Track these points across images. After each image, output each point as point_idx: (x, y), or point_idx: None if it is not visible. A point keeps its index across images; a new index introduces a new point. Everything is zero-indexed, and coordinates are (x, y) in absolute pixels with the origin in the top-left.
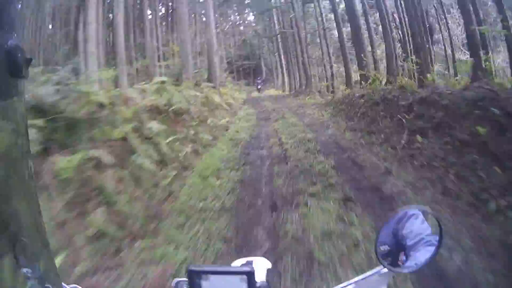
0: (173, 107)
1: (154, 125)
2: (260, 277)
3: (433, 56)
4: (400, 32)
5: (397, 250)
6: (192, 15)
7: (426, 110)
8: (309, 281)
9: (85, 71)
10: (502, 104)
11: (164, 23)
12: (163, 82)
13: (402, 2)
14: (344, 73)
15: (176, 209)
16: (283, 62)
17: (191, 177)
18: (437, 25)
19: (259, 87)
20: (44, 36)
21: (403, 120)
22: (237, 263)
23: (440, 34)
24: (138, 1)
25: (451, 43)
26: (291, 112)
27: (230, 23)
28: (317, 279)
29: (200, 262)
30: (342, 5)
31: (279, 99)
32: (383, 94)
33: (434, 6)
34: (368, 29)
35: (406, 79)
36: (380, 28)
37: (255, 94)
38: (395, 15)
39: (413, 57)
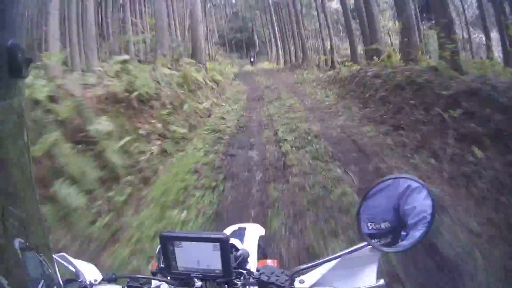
0: (136, 93)
1: (102, 124)
2: (253, 243)
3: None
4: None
5: (398, 227)
6: None
7: (478, 108)
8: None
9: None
10: None
11: None
12: (125, 61)
13: None
14: (340, 48)
15: None
16: (277, 34)
17: (145, 207)
18: None
19: (252, 59)
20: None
21: (446, 117)
22: (230, 229)
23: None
24: None
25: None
26: (288, 90)
27: None
28: None
29: None
30: None
31: (274, 74)
32: (409, 75)
33: None
34: None
35: (427, 57)
36: None
37: (248, 67)
38: None
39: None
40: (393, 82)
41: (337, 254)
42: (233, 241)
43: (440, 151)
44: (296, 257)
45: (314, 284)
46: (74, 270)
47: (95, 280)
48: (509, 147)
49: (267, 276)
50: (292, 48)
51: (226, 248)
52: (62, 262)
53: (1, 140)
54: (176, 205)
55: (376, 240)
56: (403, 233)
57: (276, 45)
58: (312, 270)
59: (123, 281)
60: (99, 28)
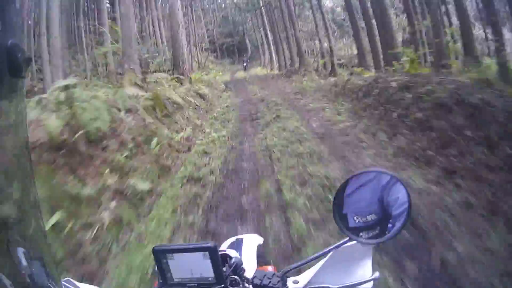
0: (81, 132)
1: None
2: (251, 252)
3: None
4: None
5: (384, 219)
6: None
7: None
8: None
9: None
10: None
11: None
12: (66, 87)
13: None
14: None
15: None
16: (270, 37)
17: None
18: None
19: (245, 64)
20: None
21: None
22: (228, 242)
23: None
24: None
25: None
26: (287, 104)
27: None
28: None
29: None
30: None
31: (269, 81)
32: (454, 91)
33: None
34: None
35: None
36: None
37: (240, 74)
38: None
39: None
40: (432, 99)
41: (325, 250)
42: (229, 251)
43: None
44: None
45: (308, 283)
46: None
47: None
48: None
49: (259, 279)
50: (287, 52)
51: (216, 256)
52: (69, 286)
53: (1, 140)
54: None
55: (364, 233)
56: (389, 224)
57: (269, 49)
58: (302, 268)
59: None
60: (75, 39)
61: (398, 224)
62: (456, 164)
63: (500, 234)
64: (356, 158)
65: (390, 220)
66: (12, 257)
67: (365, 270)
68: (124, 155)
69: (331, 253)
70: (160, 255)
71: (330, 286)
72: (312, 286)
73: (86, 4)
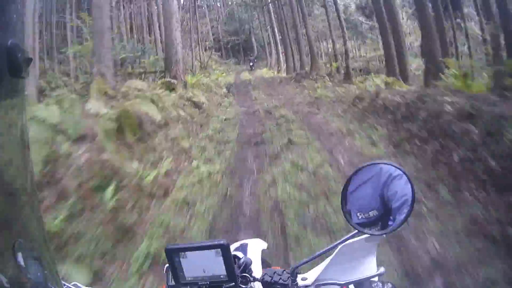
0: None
1: None
2: (256, 256)
3: None
4: None
5: (385, 214)
6: None
7: None
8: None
9: None
10: None
11: None
12: None
13: None
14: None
15: None
16: (278, 37)
17: None
18: None
19: (251, 64)
20: None
21: None
22: (232, 247)
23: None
24: None
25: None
26: (301, 122)
27: None
28: None
29: None
30: None
31: (276, 87)
32: None
33: None
34: None
35: None
36: None
37: (245, 75)
38: None
39: None
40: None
41: (332, 245)
42: (236, 253)
43: None
44: None
45: (317, 280)
46: None
47: None
48: None
49: (270, 276)
50: (296, 53)
51: (228, 253)
52: None
53: (1, 140)
54: None
55: (367, 229)
56: (390, 218)
57: (277, 49)
58: (311, 263)
59: None
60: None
61: (401, 216)
62: None
63: None
64: (416, 238)
65: (391, 217)
66: (11, 258)
67: (371, 266)
68: (60, 218)
69: (338, 248)
70: (173, 253)
71: (338, 281)
72: (321, 282)
73: None
